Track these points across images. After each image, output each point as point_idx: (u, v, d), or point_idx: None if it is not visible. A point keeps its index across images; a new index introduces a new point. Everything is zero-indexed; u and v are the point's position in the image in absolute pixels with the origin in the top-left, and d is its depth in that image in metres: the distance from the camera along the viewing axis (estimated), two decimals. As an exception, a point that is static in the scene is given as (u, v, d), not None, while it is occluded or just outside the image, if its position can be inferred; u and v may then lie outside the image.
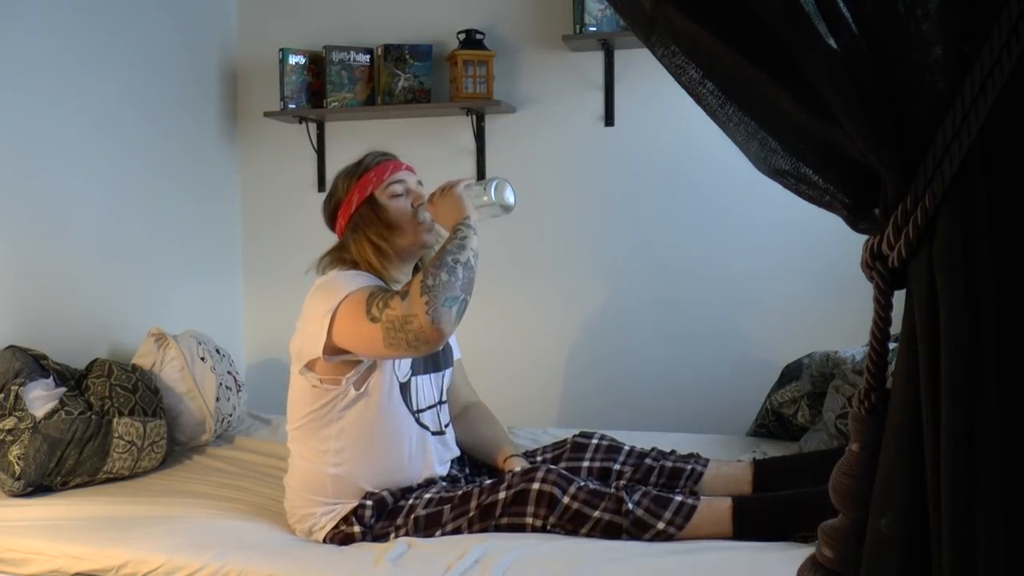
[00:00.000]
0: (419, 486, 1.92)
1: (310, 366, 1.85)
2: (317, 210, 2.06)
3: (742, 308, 2.94)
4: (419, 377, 1.96)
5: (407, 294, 1.69)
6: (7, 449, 2.11)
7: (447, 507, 1.81)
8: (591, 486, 1.77)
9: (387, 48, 3.04)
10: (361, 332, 1.73)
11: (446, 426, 2.03)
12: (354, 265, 1.90)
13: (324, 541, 1.84)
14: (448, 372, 2.08)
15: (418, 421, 1.93)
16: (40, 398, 2.17)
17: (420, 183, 2.00)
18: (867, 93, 0.69)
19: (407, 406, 1.92)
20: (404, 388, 1.91)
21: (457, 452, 2.06)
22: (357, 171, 1.97)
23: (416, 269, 2.02)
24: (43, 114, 2.50)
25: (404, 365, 1.91)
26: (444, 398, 2.06)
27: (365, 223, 1.91)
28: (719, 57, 0.73)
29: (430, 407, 1.98)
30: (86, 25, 2.65)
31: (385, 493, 1.86)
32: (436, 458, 1.96)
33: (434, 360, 2.02)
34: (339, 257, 1.94)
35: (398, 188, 1.94)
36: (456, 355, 2.17)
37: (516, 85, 3.07)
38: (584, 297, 3.07)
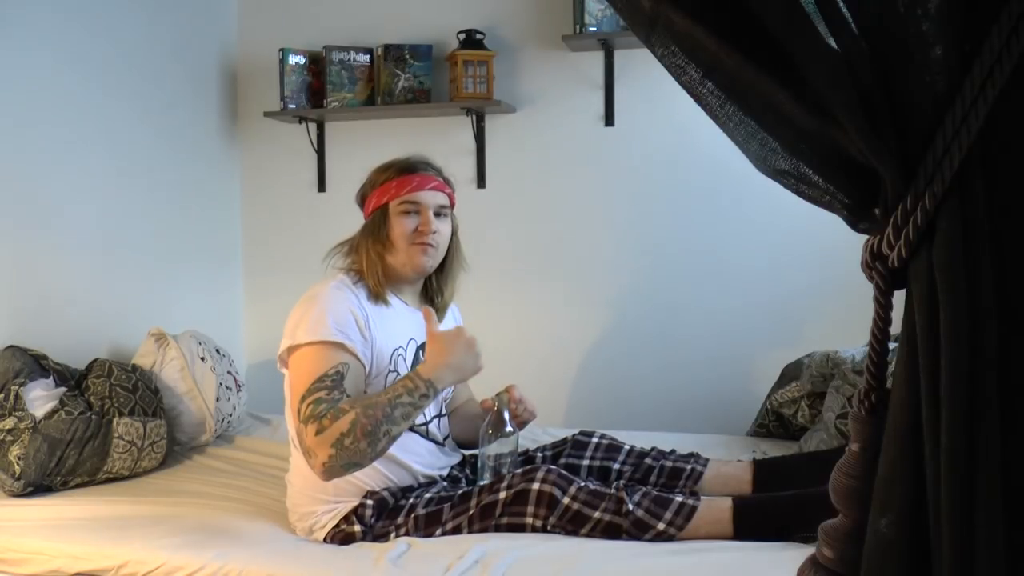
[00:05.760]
0: (420, 485, 1.92)
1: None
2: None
3: (742, 308, 2.94)
4: None
5: (328, 428, 1.64)
6: (7, 449, 2.11)
7: (447, 506, 1.81)
8: (591, 487, 1.77)
9: (387, 48, 3.04)
10: (291, 393, 1.77)
11: (446, 438, 2.04)
12: (359, 271, 1.91)
13: (324, 540, 1.84)
14: None
15: (412, 429, 1.93)
16: (40, 398, 2.17)
17: (444, 208, 1.93)
18: (867, 93, 0.69)
19: None
20: None
21: (458, 458, 2.06)
22: (387, 173, 1.92)
23: (425, 290, 2.01)
24: (43, 115, 2.49)
25: None
26: (444, 411, 2.06)
27: (372, 230, 1.91)
28: (719, 57, 0.73)
29: (428, 421, 1.98)
30: (86, 25, 2.65)
31: (386, 492, 1.86)
32: (435, 464, 1.97)
33: None
34: (347, 257, 1.94)
35: (409, 207, 1.90)
36: None
37: (516, 85, 3.07)
38: (583, 297, 3.07)
